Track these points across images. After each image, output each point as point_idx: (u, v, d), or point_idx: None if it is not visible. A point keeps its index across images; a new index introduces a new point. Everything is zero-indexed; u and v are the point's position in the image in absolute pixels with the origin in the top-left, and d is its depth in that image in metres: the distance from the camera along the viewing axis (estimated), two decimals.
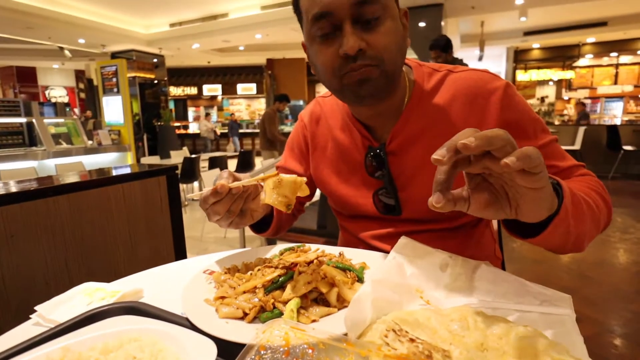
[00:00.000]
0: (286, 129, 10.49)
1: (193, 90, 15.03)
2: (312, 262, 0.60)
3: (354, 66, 0.64)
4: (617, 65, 10.75)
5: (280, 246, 0.75)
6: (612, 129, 6.53)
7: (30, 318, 0.53)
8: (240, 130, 13.39)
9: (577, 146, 6.64)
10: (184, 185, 5.77)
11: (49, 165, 4.56)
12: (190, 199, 6.08)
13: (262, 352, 0.40)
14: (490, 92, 0.72)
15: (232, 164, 6.47)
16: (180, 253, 1.55)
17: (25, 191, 1.04)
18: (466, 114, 0.72)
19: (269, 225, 0.86)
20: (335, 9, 0.62)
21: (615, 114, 10.90)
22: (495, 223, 1.02)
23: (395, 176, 0.77)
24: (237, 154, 6.47)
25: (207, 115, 13.94)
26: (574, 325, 0.52)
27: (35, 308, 0.53)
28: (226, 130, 13.23)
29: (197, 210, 5.47)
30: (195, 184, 5.83)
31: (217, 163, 5.41)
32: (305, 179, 0.60)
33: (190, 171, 5.21)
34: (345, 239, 0.94)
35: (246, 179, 0.64)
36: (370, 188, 0.81)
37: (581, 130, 6.78)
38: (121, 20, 8.19)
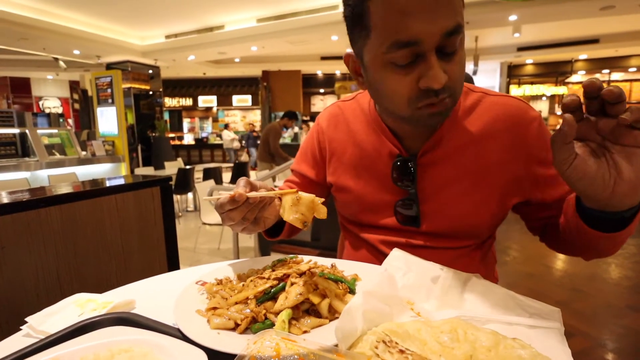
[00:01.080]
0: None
1: (188, 102, 15.07)
2: (304, 273, 0.60)
3: (435, 100, 0.62)
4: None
5: (273, 257, 0.76)
6: None
7: (20, 329, 0.52)
8: None
9: None
10: (178, 197, 5.74)
11: (42, 176, 4.52)
12: (185, 210, 6.04)
13: None
14: (529, 121, 0.73)
15: (227, 176, 6.46)
16: (173, 265, 1.54)
17: (17, 202, 1.04)
18: (507, 140, 0.73)
19: (281, 230, 0.86)
20: (424, 39, 0.57)
21: None
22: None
23: (420, 188, 0.77)
24: (231, 165, 6.46)
25: (227, 126, 13.59)
26: (562, 338, 0.53)
27: (26, 319, 0.52)
28: (221, 142, 13.24)
29: (191, 220, 5.43)
30: (190, 195, 5.81)
31: (212, 174, 5.41)
32: (323, 199, 0.61)
33: (184, 182, 5.19)
34: (347, 244, 0.93)
35: (264, 190, 0.64)
36: (391, 196, 0.81)
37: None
38: (116, 31, 8.24)
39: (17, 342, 0.50)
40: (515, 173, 0.74)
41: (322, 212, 0.60)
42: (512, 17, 6.48)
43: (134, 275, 1.38)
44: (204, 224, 3.60)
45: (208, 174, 5.39)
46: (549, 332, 0.54)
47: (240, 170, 6.21)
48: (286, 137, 10.51)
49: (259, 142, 5.82)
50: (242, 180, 0.66)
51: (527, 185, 0.75)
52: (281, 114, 5.84)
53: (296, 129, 9.17)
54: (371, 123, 0.83)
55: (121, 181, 1.39)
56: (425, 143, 0.76)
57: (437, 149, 0.76)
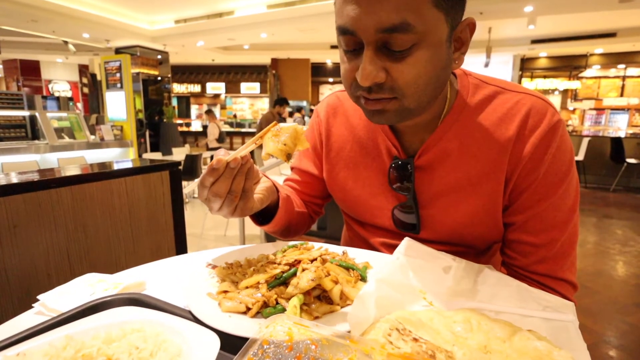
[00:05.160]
0: None
1: (196, 88, 15.05)
2: (315, 259, 0.60)
3: (367, 95, 0.58)
4: (624, 77, 10.73)
5: (283, 244, 0.75)
6: (616, 141, 6.53)
7: (32, 307, 0.53)
8: (243, 130, 13.42)
9: (580, 157, 6.64)
10: (185, 182, 5.77)
11: (51, 159, 4.57)
12: (192, 196, 6.08)
13: (265, 347, 0.40)
14: (549, 126, 0.64)
15: None
16: (181, 248, 1.55)
17: (29, 182, 1.05)
18: (519, 145, 0.65)
19: (272, 216, 0.76)
20: (358, 30, 0.53)
21: (619, 126, 10.88)
22: None
23: (419, 192, 0.72)
24: None
25: (300, 109, 12.27)
26: (577, 332, 0.52)
27: (38, 297, 0.53)
28: (231, 129, 13.23)
29: (198, 207, 5.47)
30: (197, 181, 5.83)
31: None
32: (305, 127, 0.58)
33: (191, 168, 5.22)
34: (350, 237, 0.91)
35: (242, 148, 0.58)
36: (390, 200, 0.76)
37: (585, 141, 6.78)
38: (126, 15, 8.20)
39: (29, 319, 0.51)
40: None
41: (305, 143, 0.57)
42: (528, 8, 6.31)
43: (143, 257, 1.39)
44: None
45: None
46: (563, 325, 0.53)
47: None
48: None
49: None
50: (220, 150, 0.59)
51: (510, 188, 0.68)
52: (291, 102, 5.92)
53: (306, 118, 9.17)
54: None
55: (130, 164, 1.39)
56: (424, 142, 0.69)
57: (437, 149, 0.69)
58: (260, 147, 0.57)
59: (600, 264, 3.29)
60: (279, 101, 5.58)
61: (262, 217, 0.78)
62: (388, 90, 0.56)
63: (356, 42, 0.55)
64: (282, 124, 0.57)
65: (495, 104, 0.67)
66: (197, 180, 0.59)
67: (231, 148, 12.87)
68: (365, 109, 0.61)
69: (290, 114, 6.39)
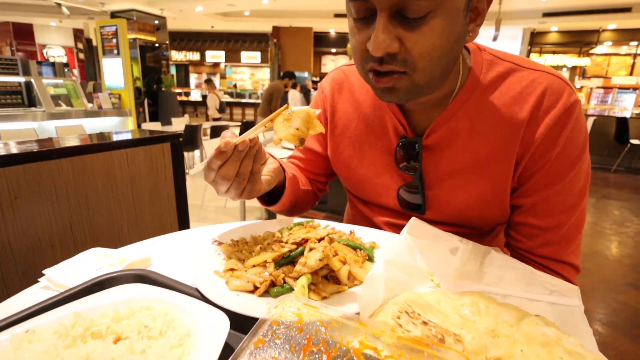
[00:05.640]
0: None
1: (195, 56, 14.68)
2: (322, 239, 0.59)
3: (378, 67, 0.54)
4: (635, 55, 10.46)
5: (288, 220, 0.74)
6: (622, 121, 6.45)
7: (38, 281, 0.52)
8: (244, 100, 13.19)
9: None
10: (185, 153, 5.74)
11: (49, 128, 4.51)
12: (192, 167, 6.06)
13: (274, 327, 0.40)
14: (565, 107, 0.61)
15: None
16: (183, 220, 1.55)
17: (28, 152, 1.02)
18: (532, 123, 0.62)
19: (278, 197, 0.76)
20: None
21: (626, 106, 10.72)
22: None
23: (425, 172, 0.69)
24: (239, 124, 6.41)
25: (296, 85, 11.87)
26: (582, 317, 0.52)
27: (44, 272, 0.52)
28: (232, 99, 13.00)
29: (198, 178, 5.47)
30: (197, 152, 5.80)
31: (219, 132, 5.37)
32: (318, 110, 0.55)
33: (191, 139, 5.17)
34: (353, 215, 0.90)
35: (251, 130, 0.57)
36: (395, 180, 0.74)
37: (590, 120, 6.70)
38: None
39: (35, 294, 0.50)
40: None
41: (319, 126, 0.55)
42: None
43: (145, 229, 1.40)
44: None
45: (216, 132, 5.35)
46: (570, 310, 0.53)
47: (247, 129, 6.14)
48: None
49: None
50: (226, 132, 0.58)
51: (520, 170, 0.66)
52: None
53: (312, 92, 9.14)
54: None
55: (131, 136, 1.37)
56: (433, 121, 0.66)
57: (446, 128, 0.66)
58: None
59: (596, 244, 3.33)
60: (288, 74, 5.85)
61: (269, 197, 0.77)
62: (400, 63, 0.53)
63: (368, 9, 0.52)
64: (294, 108, 0.55)
65: (510, 82, 0.64)
66: (203, 162, 0.57)
67: (231, 119, 12.73)
68: (374, 86, 0.58)
69: (294, 86, 6.43)
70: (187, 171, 5.72)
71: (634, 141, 6.33)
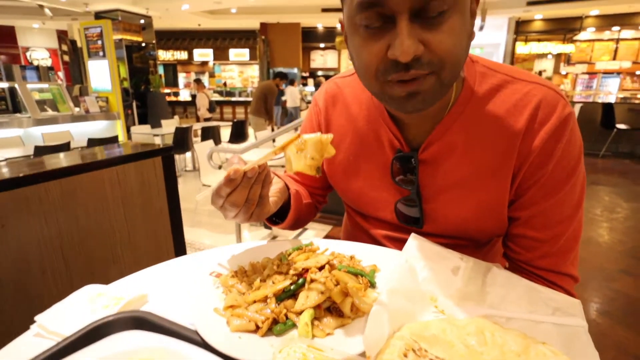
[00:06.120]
0: None
1: (183, 55, 14.48)
2: (323, 267, 0.58)
3: (405, 76, 0.52)
4: (617, 40, 10.60)
5: (285, 243, 0.73)
6: (607, 107, 6.54)
7: (30, 328, 0.50)
8: (234, 99, 13.08)
9: None
10: (177, 156, 5.68)
11: (35, 134, 4.41)
12: (183, 170, 6.00)
13: None
14: (559, 119, 0.61)
15: (225, 135, 6.35)
16: (177, 232, 1.53)
17: (14, 178, 0.99)
18: (528, 135, 0.62)
19: (285, 215, 0.77)
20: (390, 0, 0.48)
21: (610, 90, 10.87)
22: None
23: (422, 186, 0.69)
24: (229, 124, 6.36)
25: (293, 81, 10.47)
26: (588, 338, 0.52)
27: (35, 318, 0.50)
28: (222, 98, 12.88)
29: (190, 181, 5.42)
30: (188, 154, 5.74)
31: (210, 134, 5.31)
32: (331, 135, 0.53)
33: (182, 142, 5.10)
34: (351, 227, 0.89)
35: (261, 157, 0.55)
36: (392, 193, 0.73)
37: (577, 107, 6.79)
38: None
39: (28, 343, 0.48)
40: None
41: (332, 150, 0.53)
42: None
43: (139, 246, 1.37)
44: (204, 185, 3.58)
45: (206, 134, 5.29)
46: (575, 331, 0.53)
47: (239, 129, 6.09)
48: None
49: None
50: (233, 158, 0.57)
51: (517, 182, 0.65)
52: (280, 69, 6.24)
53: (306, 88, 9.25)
54: (371, 108, 0.72)
55: (121, 152, 1.33)
56: (429, 134, 0.66)
57: (443, 142, 0.65)
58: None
59: (588, 231, 3.38)
60: (280, 75, 5.89)
61: (274, 214, 0.78)
62: (427, 65, 0.51)
63: (382, 16, 0.50)
64: (305, 135, 0.52)
65: (504, 94, 0.63)
66: (211, 188, 0.56)
67: (221, 118, 12.62)
68: (394, 97, 0.55)
69: (292, 83, 6.56)
70: (178, 173, 5.66)
71: (620, 126, 6.42)
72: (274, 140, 3.93)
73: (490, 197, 0.66)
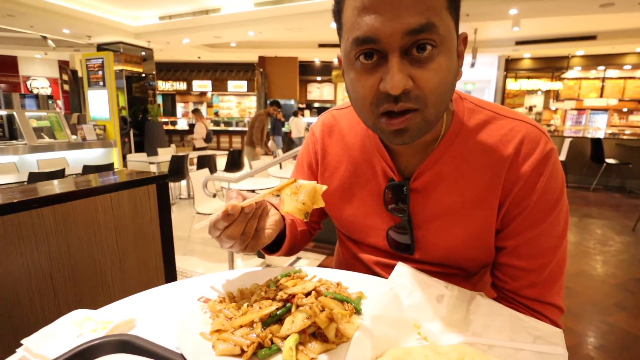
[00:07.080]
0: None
1: (182, 86, 14.80)
2: (310, 293, 0.59)
3: (394, 107, 0.56)
4: (603, 79, 11.01)
5: (274, 270, 0.74)
6: (596, 142, 6.73)
7: (16, 352, 0.50)
8: (231, 128, 13.28)
9: (562, 157, 6.82)
10: (172, 184, 5.69)
11: (31, 161, 4.43)
12: (178, 197, 5.99)
13: None
14: (542, 154, 0.65)
15: (221, 164, 6.40)
16: (169, 261, 1.52)
17: (8, 204, 1.00)
18: (513, 171, 0.65)
19: (281, 243, 0.80)
20: (383, 38, 0.52)
21: (599, 126, 11.21)
22: None
23: (413, 214, 0.72)
24: (226, 153, 6.43)
25: (299, 110, 10.49)
26: None
27: (22, 342, 0.50)
28: (218, 128, 13.09)
29: (184, 209, 5.39)
30: (183, 182, 5.76)
31: (206, 162, 5.35)
32: (325, 186, 0.57)
33: (177, 169, 5.13)
34: (343, 253, 0.91)
35: (259, 195, 0.59)
36: (385, 221, 0.76)
37: (567, 141, 6.98)
38: (108, 11, 7.98)
39: None
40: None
41: (322, 202, 0.57)
42: (513, 11, 6.43)
43: (130, 274, 1.36)
44: (198, 213, 3.57)
45: (202, 162, 5.33)
46: (554, 359, 0.54)
47: (235, 159, 6.16)
48: (286, 126, 10.43)
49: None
50: (232, 192, 0.60)
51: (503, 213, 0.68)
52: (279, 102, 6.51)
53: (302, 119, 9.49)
54: (366, 137, 0.77)
55: (116, 179, 1.35)
56: (420, 165, 0.70)
57: (433, 172, 0.69)
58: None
59: (582, 264, 3.38)
60: (273, 103, 6.11)
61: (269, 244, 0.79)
62: (414, 100, 0.55)
63: (375, 53, 0.55)
64: (300, 181, 0.56)
65: (491, 129, 0.68)
66: (210, 217, 0.59)
67: (218, 147, 12.74)
68: (384, 130, 0.60)
69: (295, 114, 6.81)
70: (172, 201, 5.65)
71: (609, 160, 6.59)
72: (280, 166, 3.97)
73: (478, 225, 0.69)
